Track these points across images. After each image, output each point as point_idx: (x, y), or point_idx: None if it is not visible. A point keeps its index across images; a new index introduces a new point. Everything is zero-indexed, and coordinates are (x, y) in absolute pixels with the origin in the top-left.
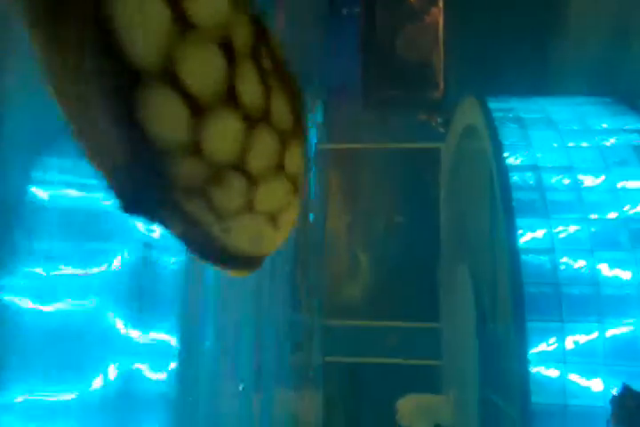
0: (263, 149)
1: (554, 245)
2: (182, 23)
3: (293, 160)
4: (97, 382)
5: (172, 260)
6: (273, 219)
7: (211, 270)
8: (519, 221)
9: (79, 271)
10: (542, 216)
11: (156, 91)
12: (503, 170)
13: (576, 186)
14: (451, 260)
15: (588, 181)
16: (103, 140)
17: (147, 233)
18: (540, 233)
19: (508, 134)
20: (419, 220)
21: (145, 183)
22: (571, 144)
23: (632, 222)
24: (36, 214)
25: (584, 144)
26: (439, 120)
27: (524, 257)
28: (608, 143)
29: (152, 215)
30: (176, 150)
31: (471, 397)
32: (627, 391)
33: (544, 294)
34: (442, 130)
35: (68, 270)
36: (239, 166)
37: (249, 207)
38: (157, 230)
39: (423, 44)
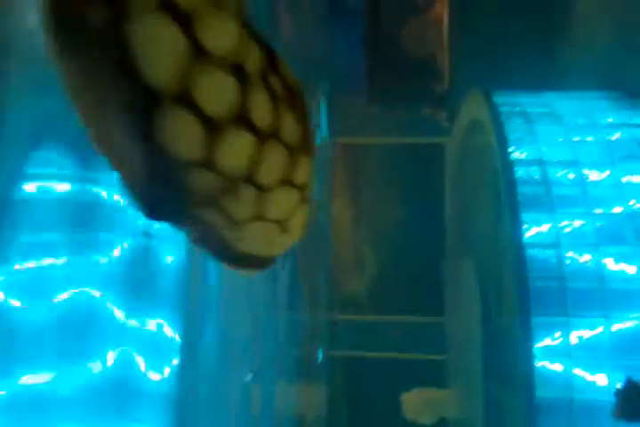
0: (273, 162)
1: (559, 239)
2: (197, 50)
3: (301, 172)
4: (96, 372)
5: (172, 253)
6: (283, 225)
7: (212, 263)
8: (524, 216)
9: (79, 262)
10: (547, 211)
11: (173, 111)
12: (508, 164)
13: (581, 180)
14: (456, 254)
15: (594, 175)
16: (125, 156)
17: (146, 224)
18: (545, 227)
19: (514, 129)
20: (423, 214)
21: (164, 195)
22: (576, 138)
23: (637, 217)
24: (33, 207)
25: (589, 138)
26: (444, 114)
27: (529, 251)
28: (613, 138)
29: (173, 222)
30: (192, 165)
31: (476, 391)
32: (630, 384)
33: (549, 288)
34: (447, 124)
35: (63, 260)
36: (251, 179)
37: (260, 216)
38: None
39: (428, 38)
